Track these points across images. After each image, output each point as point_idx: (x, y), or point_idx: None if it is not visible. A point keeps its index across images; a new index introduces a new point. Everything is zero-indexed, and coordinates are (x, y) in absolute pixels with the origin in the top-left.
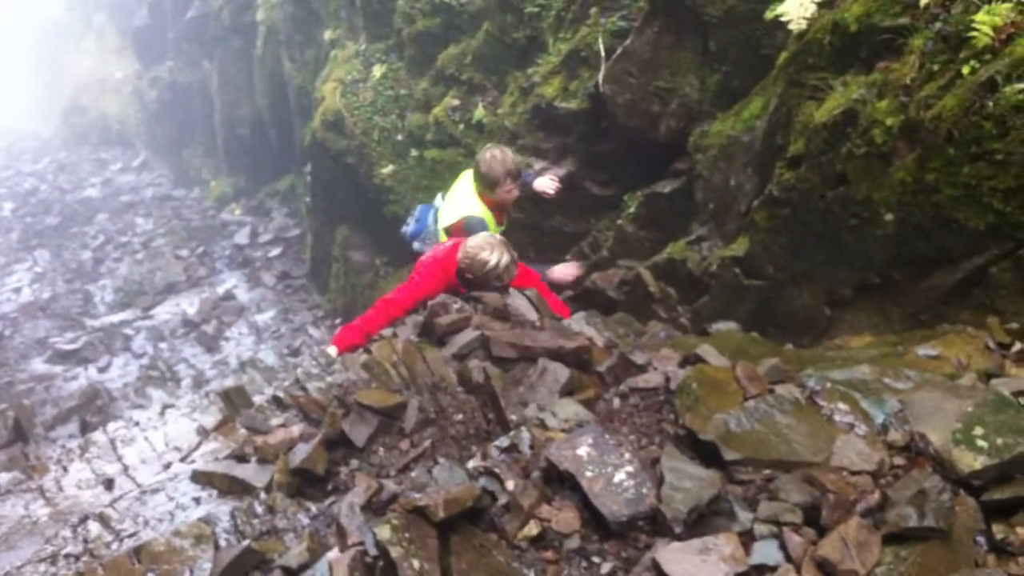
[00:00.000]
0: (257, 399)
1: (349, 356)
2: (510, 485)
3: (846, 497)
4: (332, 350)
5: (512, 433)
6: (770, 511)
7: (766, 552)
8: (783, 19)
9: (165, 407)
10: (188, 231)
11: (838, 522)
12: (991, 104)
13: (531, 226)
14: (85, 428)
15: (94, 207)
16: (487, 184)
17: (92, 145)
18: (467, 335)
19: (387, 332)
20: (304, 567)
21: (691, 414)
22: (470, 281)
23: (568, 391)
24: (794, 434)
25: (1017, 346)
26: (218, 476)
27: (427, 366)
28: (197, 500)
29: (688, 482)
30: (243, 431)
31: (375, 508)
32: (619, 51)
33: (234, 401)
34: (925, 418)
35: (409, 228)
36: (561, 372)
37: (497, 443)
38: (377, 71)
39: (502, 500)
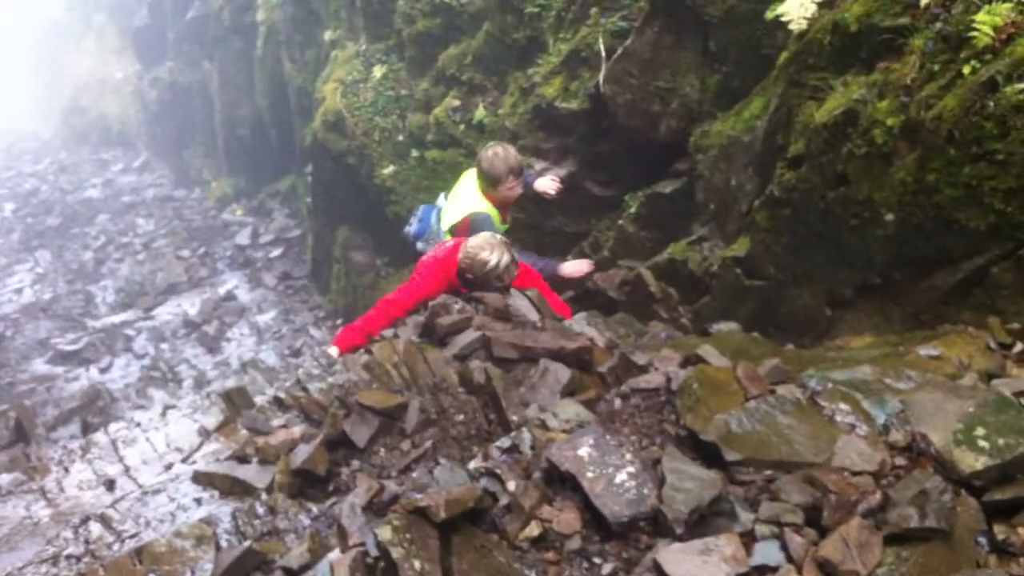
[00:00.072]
0: (258, 400)
1: (350, 357)
2: (511, 486)
3: (847, 498)
4: (333, 351)
5: (513, 434)
6: (771, 512)
7: (767, 553)
8: (783, 19)
9: (166, 408)
10: (189, 232)
11: (839, 523)
12: (992, 104)
13: (532, 226)
14: (86, 429)
15: (95, 208)
16: (490, 181)
17: (92, 146)
18: (468, 336)
19: (388, 333)
20: (305, 568)
21: (692, 415)
22: (470, 281)
23: (569, 392)
24: (795, 435)
25: (1018, 346)
26: (219, 477)
27: (428, 367)
28: (198, 501)
29: (689, 483)
30: (244, 432)
31: (376, 509)
32: (619, 51)
33: (235, 402)
34: (926, 418)
35: (412, 228)
36: (562, 373)
37: (498, 444)
38: (377, 71)
39: (503, 501)
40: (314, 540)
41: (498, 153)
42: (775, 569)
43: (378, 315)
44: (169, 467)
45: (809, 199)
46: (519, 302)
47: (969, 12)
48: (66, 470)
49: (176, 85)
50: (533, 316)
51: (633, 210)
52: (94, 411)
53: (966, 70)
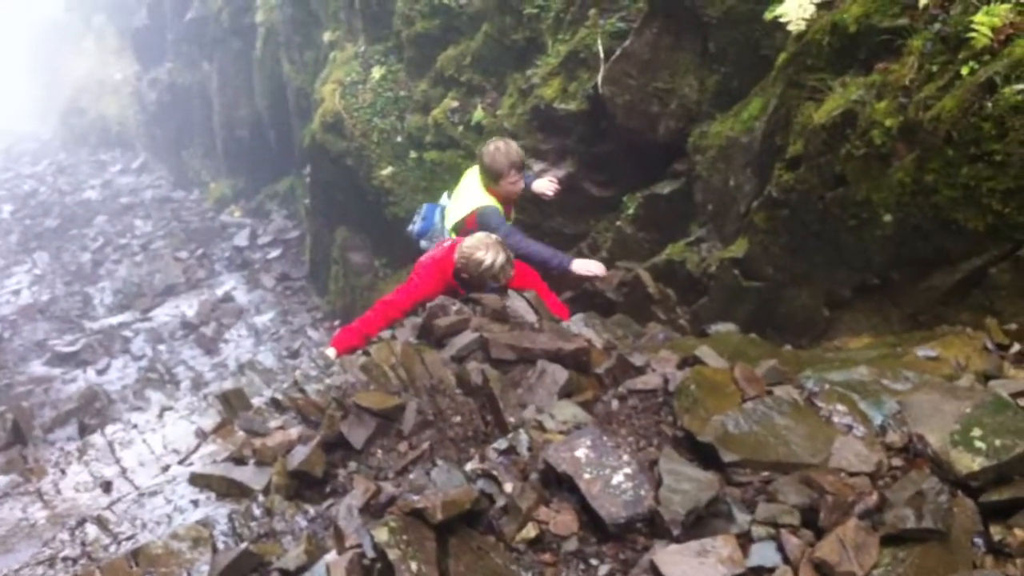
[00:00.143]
0: (256, 401)
1: (348, 358)
2: (508, 487)
3: (844, 498)
4: (331, 352)
5: (510, 435)
6: (768, 513)
7: (764, 554)
8: (782, 20)
9: (163, 409)
10: (187, 233)
11: (836, 524)
12: (990, 105)
13: (531, 227)
14: (83, 430)
15: (93, 209)
16: (492, 176)
17: (91, 147)
18: (466, 337)
19: (386, 334)
20: (302, 569)
21: (689, 416)
22: (467, 281)
23: (567, 393)
24: (792, 435)
25: (1016, 347)
26: (216, 479)
27: (426, 368)
28: (195, 503)
29: (686, 484)
30: (241, 433)
31: (373, 510)
32: (618, 52)
33: (233, 403)
34: (923, 419)
35: (416, 226)
36: (560, 374)
37: (495, 445)
38: (376, 73)
39: (500, 502)
40: (311, 542)
41: (499, 148)
42: (771, 570)
43: (376, 316)
44: (166, 469)
45: (807, 200)
46: (517, 303)
47: (967, 13)
48: (63, 472)
49: (175, 86)
50: (531, 317)
51: (631, 211)
52: (91, 413)
53: (964, 71)
